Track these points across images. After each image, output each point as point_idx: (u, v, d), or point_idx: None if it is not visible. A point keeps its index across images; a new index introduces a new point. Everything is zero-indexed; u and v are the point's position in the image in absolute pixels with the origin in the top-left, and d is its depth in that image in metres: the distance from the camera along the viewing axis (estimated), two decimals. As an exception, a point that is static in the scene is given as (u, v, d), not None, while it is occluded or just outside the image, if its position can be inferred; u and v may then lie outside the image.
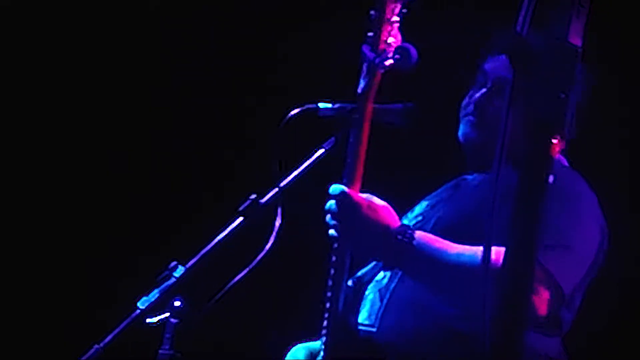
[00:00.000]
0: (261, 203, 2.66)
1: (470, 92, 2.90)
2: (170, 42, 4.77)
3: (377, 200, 2.52)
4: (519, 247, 1.65)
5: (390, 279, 2.73)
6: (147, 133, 4.73)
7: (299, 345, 2.84)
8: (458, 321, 2.56)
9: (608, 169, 3.86)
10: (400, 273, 2.71)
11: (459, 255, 2.50)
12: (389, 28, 2.41)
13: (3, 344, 4.58)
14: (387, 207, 2.53)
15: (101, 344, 2.52)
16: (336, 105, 2.65)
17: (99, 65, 4.76)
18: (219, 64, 4.73)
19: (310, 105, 2.60)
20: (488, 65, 2.90)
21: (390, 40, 2.42)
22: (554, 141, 1.65)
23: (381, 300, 2.70)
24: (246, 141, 4.44)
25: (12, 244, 4.70)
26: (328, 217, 2.50)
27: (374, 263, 2.85)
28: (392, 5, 2.40)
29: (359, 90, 2.46)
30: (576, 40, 1.66)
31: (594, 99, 2.86)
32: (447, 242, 2.54)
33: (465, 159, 2.91)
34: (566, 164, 2.84)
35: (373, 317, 2.68)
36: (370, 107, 2.48)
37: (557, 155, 2.79)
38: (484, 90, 2.86)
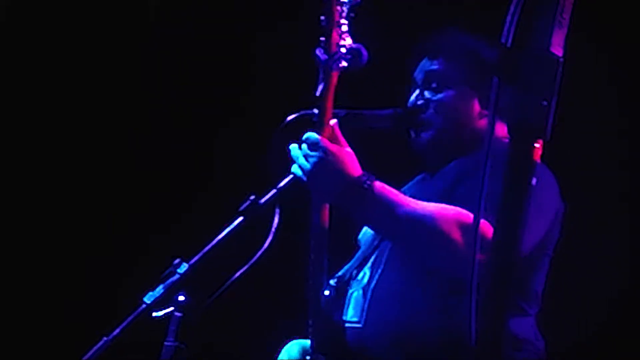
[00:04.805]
0: (260, 203, 2.71)
1: (409, 102, 2.97)
2: (170, 41, 4.80)
3: (344, 149, 2.58)
4: (503, 248, 1.70)
5: (371, 277, 2.79)
6: (150, 133, 4.75)
7: (293, 342, 2.89)
8: (437, 313, 2.64)
9: (608, 171, 3.94)
10: (380, 271, 2.78)
11: (415, 207, 2.56)
12: (339, 31, 2.48)
13: (14, 338, 4.61)
14: (350, 154, 2.58)
15: (109, 337, 2.57)
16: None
17: (101, 63, 4.79)
18: (219, 64, 4.77)
19: (306, 111, 2.66)
20: (415, 72, 2.99)
21: (342, 42, 2.48)
22: (537, 146, 1.70)
23: (364, 296, 2.77)
24: (246, 143, 4.48)
25: (21, 242, 4.73)
26: (297, 157, 2.57)
27: (351, 262, 2.91)
28: (340, 9, 2.46)
29: (317, 93, 2.53)
30: (557, 50, 1.71)
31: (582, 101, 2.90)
32: (406, 197, 2.60)
33: (424, 161, 2.98)
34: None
35: (359, 313, 2.75)
36: (329, 107, 2.55)
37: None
38: (416, 94, 2.95)
